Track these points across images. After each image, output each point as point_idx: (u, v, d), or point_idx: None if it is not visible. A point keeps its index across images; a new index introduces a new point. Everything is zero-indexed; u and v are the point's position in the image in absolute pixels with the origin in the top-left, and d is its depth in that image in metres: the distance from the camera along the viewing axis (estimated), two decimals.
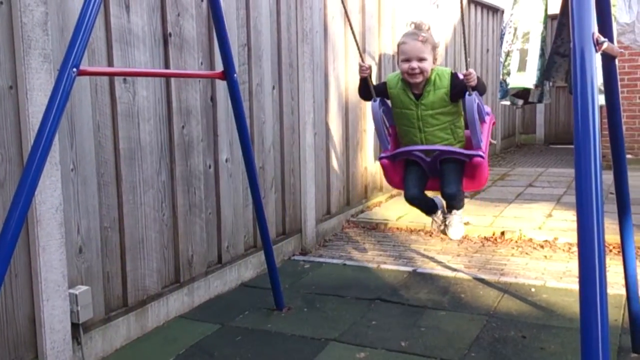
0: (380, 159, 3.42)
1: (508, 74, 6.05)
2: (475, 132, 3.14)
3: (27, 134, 2.64)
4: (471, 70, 3.01)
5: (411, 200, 3.42)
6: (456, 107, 3.25)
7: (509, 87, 6.00)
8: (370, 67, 3.32)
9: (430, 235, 5.31)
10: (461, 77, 3.11)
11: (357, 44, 3.35)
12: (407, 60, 3.17)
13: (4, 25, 2.57)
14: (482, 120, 3.28)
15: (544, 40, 5.95)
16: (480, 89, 3.11)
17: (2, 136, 2.60)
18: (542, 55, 5.92)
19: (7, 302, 2.66)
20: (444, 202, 3.53)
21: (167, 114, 3.50)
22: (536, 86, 6.01)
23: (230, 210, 4.07)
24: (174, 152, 3.55)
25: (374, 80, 5.94)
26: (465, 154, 3.22)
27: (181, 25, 3.56)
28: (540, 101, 6.36)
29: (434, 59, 3.21)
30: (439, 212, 3.60)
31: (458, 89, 3.14)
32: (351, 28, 3.32)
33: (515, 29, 6.02)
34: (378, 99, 3.30)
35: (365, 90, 3.35)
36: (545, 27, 5.96)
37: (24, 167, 2.19)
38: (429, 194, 3.57)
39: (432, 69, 3.19)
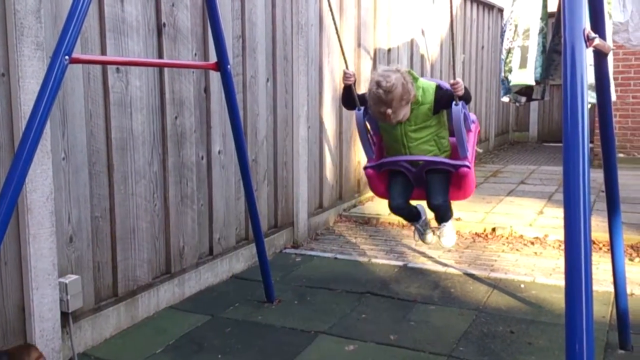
0: (365, 168, 3.36)
1: (510, 71, 6.04)
2: (462, 142, 3.10)
3: (18, 122, 2.63)
4: (458, 79, 2.96)
5: (396, 210, 3.38)
6: (439, 118, 3.20)
7: (511, 84, 6.01)
8: (354, 75, 3.24)
9: None
10: (447, 86, 3.08)
11: (342, 51, 3.28)
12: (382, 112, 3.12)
13: None
14: (468, 129, 3.24)
15: (544, 37, 5.95)
16: (467, 97, 3.06)
17: None
18: (543, 51, 5.93)
19: None
20: (427, 210, 3.50)
21: (160, 104, 3.49)
22: (538, 83, 6.02)
23: (222, 202, 4.07)
24: (166, 143, 3.54)
25: (366, 75, 5.89)
26: (451, 164, 3.18)
27: (175, 15, 3.55)
28: (543, 97, 6.38)
29: (411, 99, 3.09)
30: (422, 220, 3.60)
31: (443, 101, 3.10)
32: (337, 34, 3.26)
33: (516, 26, 6.02)
34: (362, 108, 3.24)
35: (349, 98, 3.27)
36: (545, 24, 5.96)
37: (14, 154, 2.18)
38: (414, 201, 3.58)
39: (416, 89, 3.11)
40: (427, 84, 3.17)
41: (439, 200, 3.24)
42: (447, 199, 3.27)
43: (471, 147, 3.21)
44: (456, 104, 2.99)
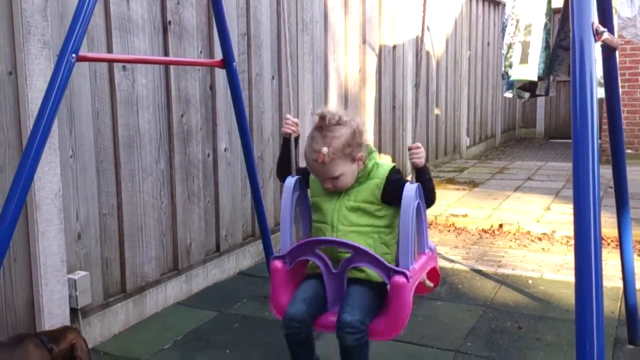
0: (272, 258, 2.41)
1: (510, 66, 6.03)
2: (406, 245, 2.18)
3: (26, 120, 2.64)
4: (419, 144, 2.23)
5: (290, 319, 2.24)
6: (389, 215, 2.36)
7: (511, 79, 5.99)
8: (297, 124, 2.49)
9: (429, 227, 5.32)
10: (409, 180, 2.26)
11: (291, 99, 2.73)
12: (318, 177, 2.40)
13: (3, 11, 2.57)
14: (421, 250, 2.38)
15: (548, 33, 5.93)
16: (427, 182, 2.26)
17: (1, 121, 2.60)
18: (546, 47, 5.90)
19: (6, 286, 2.67)
20: None
21: (166, 102, 3.50)
22: (540, 79, 6.00)
23: (228, 199, 4.07)
24: (172, 141, 3.55)
25: (373, 66, 5.83)
26: (383, 266, 2.19)
27: (181, 13, 3.55)
28: (547, 94, 6.36)
29: (358, 159, 2.33)
30: None
31: (397, 185, 2.25)
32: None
33: (518, 21, 6.00)
34: (297, 178, 2.43)
35: (285, 158, 2.48)
36: (549, 20, 5.94)
37: (23, 152, 2.19)
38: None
39: (369, 160, 2.38)
40: (384, 163, 2.44)
41: (355, 317, 2.15)
42: (365, 322, 2.17)
43: (419, 265, 2.29)
44: (411, 182, 2.21)
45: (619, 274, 3.13)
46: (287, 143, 2.50)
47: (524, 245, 4.73)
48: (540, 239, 4.87)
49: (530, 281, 3.89)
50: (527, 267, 4.18)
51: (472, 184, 6.97)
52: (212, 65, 3.61)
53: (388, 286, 2.22)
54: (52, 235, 2.77)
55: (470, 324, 3.25)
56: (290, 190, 2.40)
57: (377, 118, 6.42)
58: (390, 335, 2.24)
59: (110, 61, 3.11)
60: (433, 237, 5.00)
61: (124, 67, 3.18)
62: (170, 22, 3.47)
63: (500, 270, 4.11)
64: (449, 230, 5.22)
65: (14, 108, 2.64)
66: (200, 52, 3.74)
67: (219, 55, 3.31)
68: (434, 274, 2.45)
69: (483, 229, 5.19)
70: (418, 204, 2.22)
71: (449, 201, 6.02)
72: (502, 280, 3.91)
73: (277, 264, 2.38)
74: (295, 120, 2.50)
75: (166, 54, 3.47)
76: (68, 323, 2.88)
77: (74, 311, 2.93)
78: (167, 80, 3.49)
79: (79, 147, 2.96)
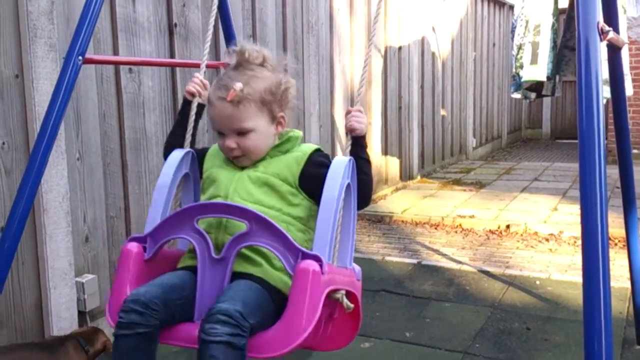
0: (128, 240, 1.72)
1: (521, 67, 6.03)
2: (325, 229, 1.58)
3: (33, 123, 2.65)
4: (360, 108, 1.80)
5: (135, 302, 1.52)
6: (302, 203, 1.79)
7: (523, 80, 5.99)
8: (205, 86, 1.95)
9: (436, 228, 5.31)
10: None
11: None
12: (220, 133, 1.83)
13: (9, 14, 2.58)
14: (342, 263, 1.72)
15: (555, 33, 5.94)
16: (362, 167, 1.79)
17: (8, 125, 2.61)
18: (554, 47, 5.91)
19: (15, 290, 2.67)
20: None
21: (172, 104, 3.51)
22: (548, 79, 6.00)
23: None
24: None
25: (380, 70, 5.82)
26: (290, 246, 1.54)
27: (186, 15, 3.56)
28: (553, 94, 6.36)
29: (277, 120, 1.84)
30: None
31: (319, 169, 1.73)
32: None
33: (527, 22, 6.00)
34: (187, 151, 1.87)
35: (181, 127, 1.95)
36: (556, 20, 5.94)
37: (30, 155, 2.20)
38: None
39: (284, 134, 1.87)
40: (308, 144, 1.92)
41: (235, 307, 1.47)
42: (247, 318, 1.47)
43: (339, 271, 1.67)
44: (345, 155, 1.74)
45: (626, 274, 3.11)
46: (186, 107, 1.96)
47: (532, 246, 4.72)
48: (547, 240, 4.85)
49: (537, 282, 3.87)
50: (535, 268, 4.17)
51: (479, 184, 6.96)
52: (218, 67, 3.61)
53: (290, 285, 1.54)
54: (59, 238, 2.78)
55: (478, 325, 3.24)
56: (173, 165, 1.80)
57: (383, 119, 6.41)
58: (279, 348, 1.50)
59: (117, 63, 3.12)
60: (440, 239, 5.00)
61: (130, 69, 3.19)
62: (176, 24, 3.48)
63: (508, 271, 4.10)
64: (456, 232, 5.21)
65: (21, 111, 2.65)
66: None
67: (225, 57, 3.32)
68: (353, 302, 1.73)
69: (490, 230, 5.17)
70: (348, 185, 1.67)
71: (456, 202, 6.00)
72: (510, 281, 3.90)
73: (132, 247, 1.66)
74: (205, 81, 1.96)
75: (172, 56, 3.48)
76: (76, 326, 2.88)
77: (81, 314, 2.93)
78: (174, 82, 3.50)
79: (85, 150, 2.97)
